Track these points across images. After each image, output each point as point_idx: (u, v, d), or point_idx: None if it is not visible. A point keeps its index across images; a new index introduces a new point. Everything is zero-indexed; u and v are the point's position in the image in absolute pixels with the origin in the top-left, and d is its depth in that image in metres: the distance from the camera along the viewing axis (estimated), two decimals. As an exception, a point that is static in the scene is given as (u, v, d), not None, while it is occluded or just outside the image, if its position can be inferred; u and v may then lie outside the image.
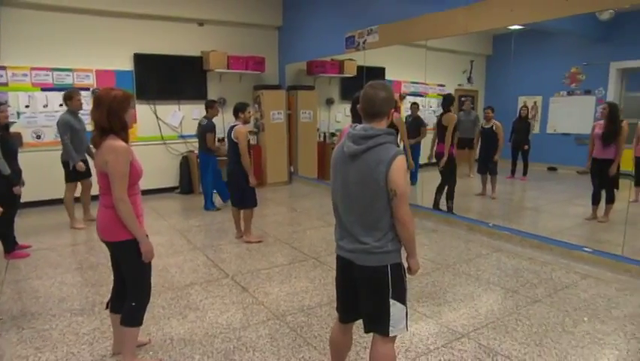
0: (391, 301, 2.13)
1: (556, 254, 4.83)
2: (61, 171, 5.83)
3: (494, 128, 6.81)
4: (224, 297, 3.83)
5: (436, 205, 6.25)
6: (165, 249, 5.14)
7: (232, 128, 5.19)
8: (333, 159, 2.25)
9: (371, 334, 2.26)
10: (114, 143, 2.47)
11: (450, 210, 6.12)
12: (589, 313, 3.49)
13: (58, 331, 3.25)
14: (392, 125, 5.46)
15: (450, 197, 6.12)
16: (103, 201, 2.58)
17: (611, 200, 5.58)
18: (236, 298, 3.81)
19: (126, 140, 2.55)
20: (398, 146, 2.17)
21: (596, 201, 5.80)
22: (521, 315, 3.46)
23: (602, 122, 5.68)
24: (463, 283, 4.12)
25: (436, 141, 6.20)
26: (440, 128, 6.05)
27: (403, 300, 2.18)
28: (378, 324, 2.18)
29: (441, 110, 6.15)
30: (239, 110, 5.24)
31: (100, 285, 4.08)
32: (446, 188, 6.13)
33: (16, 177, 4.62)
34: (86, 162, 5.85)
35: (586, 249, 4.67)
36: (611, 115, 5.57)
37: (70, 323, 3.37)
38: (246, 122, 5.28)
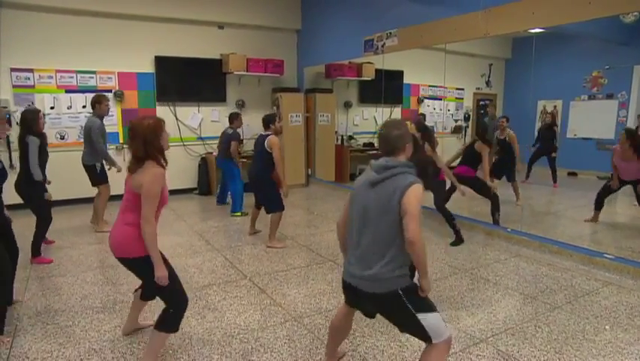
0: (420, 316, 2.18)
1: (576, 260, 4.76)
2: (84, 171, 5.95)
3: (507, 139, 6.69)
4: (242, 298, 3.86)
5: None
6: (184, 250, 5.21)
7: (265, 137, 5.22)
8: (355, 187, 2.39)
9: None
10: (153, 169, 2.59)
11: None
12: (611, 321, 3.44)
13: (80, 327, 3.32)
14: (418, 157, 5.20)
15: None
16: (124, 219, 2.66)
17: None
18: (254, 299, 3.85)
19: (164, 163, 2.66)
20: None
21: (598, 206, 5.79)
22: (540, 322, 3.42)
23: (618, 147, 5.60)
24: (481, 288, 4.09)
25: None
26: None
27: (431, 309, 2.23)
28: (418, 336, 2.26)
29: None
30: (269, 121, 5.36)
31: (120, 284, 4.15)
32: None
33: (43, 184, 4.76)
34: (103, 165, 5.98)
35: (607, 255, 4.59)
36: (630, 141, 5.47)
37: (92, 320, 3.44)
38: (276, 132, 5.37)
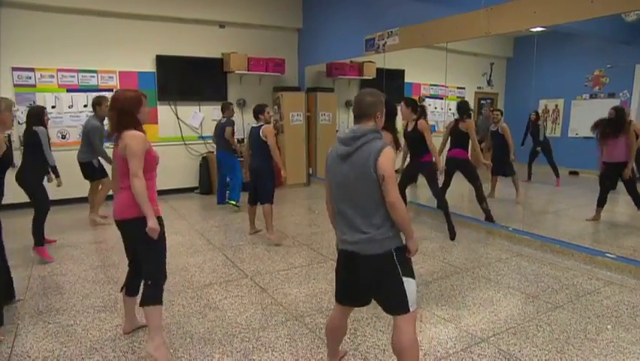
0: (404, 279, 2.27)
1: (578, 260, 4.75)
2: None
3: (499, 130, 6.76)
4: (243, 297, 3.86)
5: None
6: (185, 248, 5.21)
7: (258, 128, 5.35)
8: (327, 164, 2.43)
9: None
10: (133, 132, 2.72)
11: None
12: (612, 320, 3.43)
13: (82, 326, 3.32)
14: (417, 131, 5.37)
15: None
16: (122, 186, 2.77)
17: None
18: (255, 298, 3.85)
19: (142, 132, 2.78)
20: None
21: (601, 203, 5.78)
22: (542, 321, 3.41)
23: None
24: (483, 287, 4.08)
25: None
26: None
27: (412, 274, 2.32)
28: (398, 305, 2.29)
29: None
30: (258, 112, 5.47)
31: (121, 283, 4.14)
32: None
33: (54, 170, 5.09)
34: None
35: (609, 255, 4.59)
36: (616, 118, 5.57)
37: (93, 319, 3.44)
38: (267, 122, 5.47)
